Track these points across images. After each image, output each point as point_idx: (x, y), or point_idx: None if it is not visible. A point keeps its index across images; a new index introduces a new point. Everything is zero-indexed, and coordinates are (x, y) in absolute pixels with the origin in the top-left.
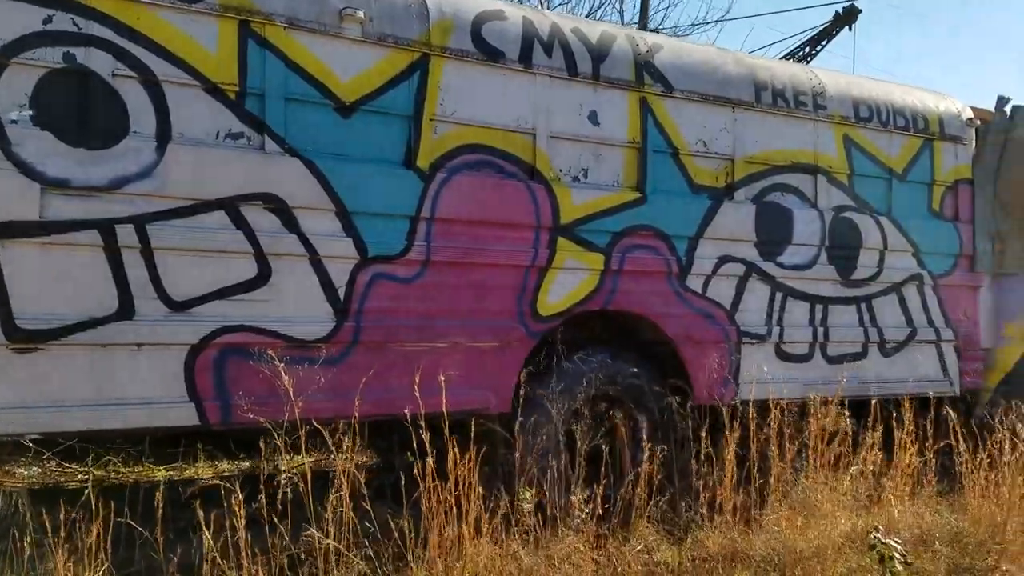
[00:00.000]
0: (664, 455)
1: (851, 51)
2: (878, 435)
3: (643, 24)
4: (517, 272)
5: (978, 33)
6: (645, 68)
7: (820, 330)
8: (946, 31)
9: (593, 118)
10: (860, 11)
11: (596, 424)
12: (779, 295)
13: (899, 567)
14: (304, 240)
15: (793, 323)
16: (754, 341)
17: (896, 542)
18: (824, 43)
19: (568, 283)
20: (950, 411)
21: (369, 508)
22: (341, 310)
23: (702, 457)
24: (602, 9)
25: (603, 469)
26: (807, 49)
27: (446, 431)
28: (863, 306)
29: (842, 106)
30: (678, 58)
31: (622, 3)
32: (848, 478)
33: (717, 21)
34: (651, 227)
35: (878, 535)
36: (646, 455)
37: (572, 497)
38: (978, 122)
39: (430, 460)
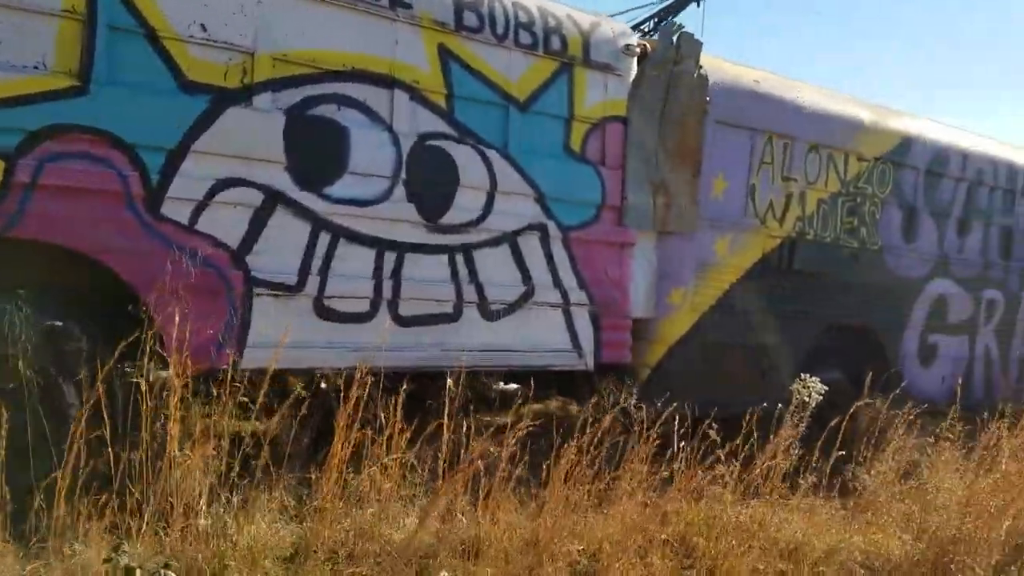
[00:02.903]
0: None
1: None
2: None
3: None
4: None
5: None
6: None
7: (389, 283)
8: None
9: None
10: None
11: None
12: (325, 236)
13: None
14: None
15: (346, 273)
16: (277, 292)
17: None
18: (671, 17)
19: None
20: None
21: None
22: None
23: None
24: None
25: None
26: (653, 23)
27: None
28: (459, 257)
29: (436, 7)
30: None
31: None
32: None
33: None
34: (98, 129)
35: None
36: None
37: None
38: (638, 50)
39: None
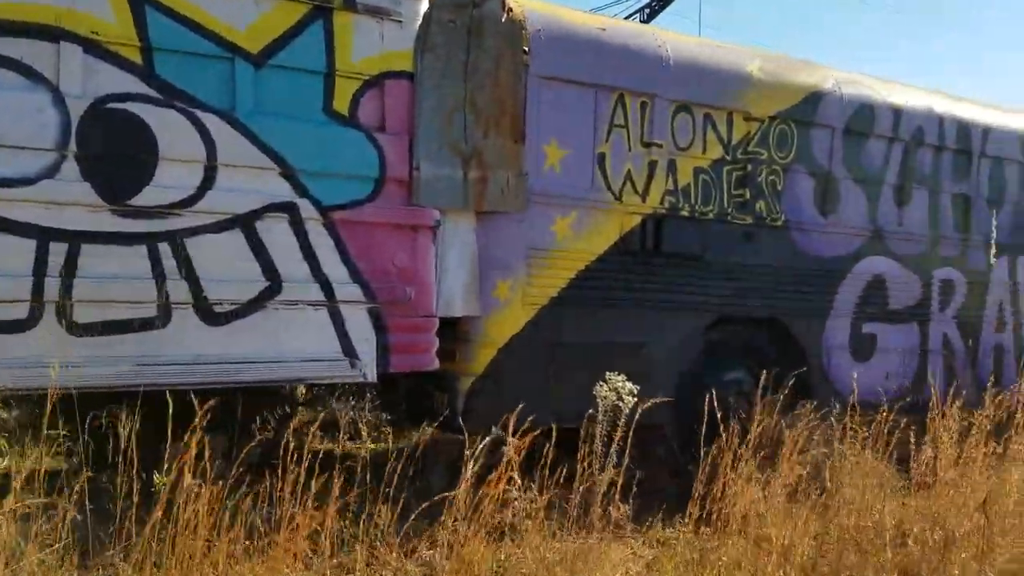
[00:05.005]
0: None
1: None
2: None
3: None
4: None
5: None
6: None
7: (56, 283)
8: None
9: None
10: None
11: None
12: None
13: None
14: None
15: None
16: None
17: None
18: (665, 6)
19: None
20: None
21: None
22: None
23: None
24: None
25: None
26: (646, 11)
27: None
28: (163, 247)
29: None
30: None
31: None
32: None
33: None
34: None
35: None
36: None
37: None
38: None
39: None
